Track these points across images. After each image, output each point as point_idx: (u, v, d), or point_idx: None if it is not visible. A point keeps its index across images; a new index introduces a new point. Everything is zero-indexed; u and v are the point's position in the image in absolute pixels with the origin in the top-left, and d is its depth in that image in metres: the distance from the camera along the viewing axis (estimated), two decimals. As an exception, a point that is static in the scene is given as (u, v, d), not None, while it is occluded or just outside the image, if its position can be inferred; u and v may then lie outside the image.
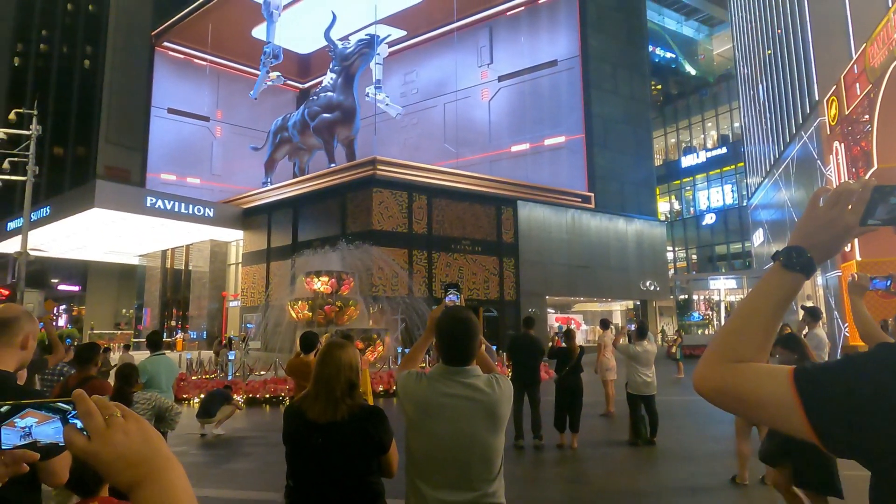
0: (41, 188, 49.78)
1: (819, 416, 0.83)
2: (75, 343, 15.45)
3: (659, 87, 49.36)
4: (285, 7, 33.11)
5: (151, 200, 25.77)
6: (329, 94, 27.75)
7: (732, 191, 42.88)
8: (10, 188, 28.14)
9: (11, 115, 19.29)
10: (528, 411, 8.13)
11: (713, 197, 44.00)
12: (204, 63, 37.57)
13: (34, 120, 18.94)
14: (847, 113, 17.07)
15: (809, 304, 16.71)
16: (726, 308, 32.95)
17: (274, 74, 31.47)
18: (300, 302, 16.40)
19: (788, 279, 0.96)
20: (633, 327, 9.47)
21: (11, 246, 29.26)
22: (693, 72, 52.70)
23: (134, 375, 4.33)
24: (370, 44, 26.58)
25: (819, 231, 0.95)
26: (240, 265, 29.99)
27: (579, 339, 15.32)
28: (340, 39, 27.56)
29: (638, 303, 30.84)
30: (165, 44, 37.23)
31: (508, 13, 31.99)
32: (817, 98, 20.63)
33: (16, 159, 19.83)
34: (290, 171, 31.62)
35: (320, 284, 16.37)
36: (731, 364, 0.94)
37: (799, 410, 0.84)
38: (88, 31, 69.91)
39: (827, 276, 19.14)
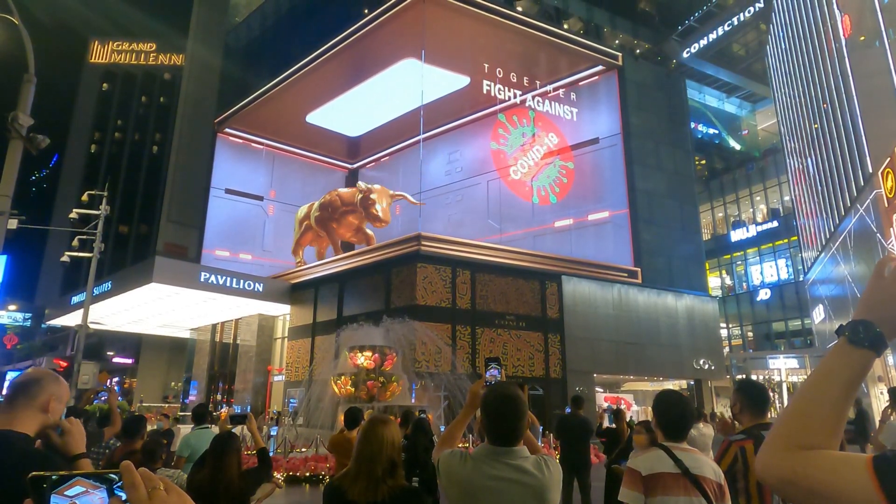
0: (105, 264, 52.61)
1: None
2: (124, 416, 15.62)
3: (703, 161, 49.13)
4: (335, 95, 35.17)
5: (205, 276, 26.74)
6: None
7: (787, 265, 41.33)
8: (77, 264, 29.86)
9: (84, 197, 20.77)
10: (578, 497, 7.68)
11: (767, 272, 42.45)
12: (260, 146, 39.99)
13: (104, 201, 20.31)
14: (905, 185, 16.53)
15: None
16: (788, 389, 30.95)
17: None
18: (343, 377, 16.32)
19: (856, 356, 0.86)
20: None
21: (73, 319, 30.66)
22: (737, 147, 52.44)
23: (158, 451, 4.37)
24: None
25: (887, 303, 0.87)
26: (286, 339, 30.35)
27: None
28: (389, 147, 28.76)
29: (692, 382, 29.36)
30: (227, 130, 39.94)
31: (549, 95, 33.02)
32: (871, 170, 20.10)
33: (84, 237, 21.16)
34: (339, 247, 32.43)
35: (363, 359, 16.31)
36: (800, 451, 0.83)
37: None
38: (158, 120, 76.10)
39: (899, 356, 17.88)
